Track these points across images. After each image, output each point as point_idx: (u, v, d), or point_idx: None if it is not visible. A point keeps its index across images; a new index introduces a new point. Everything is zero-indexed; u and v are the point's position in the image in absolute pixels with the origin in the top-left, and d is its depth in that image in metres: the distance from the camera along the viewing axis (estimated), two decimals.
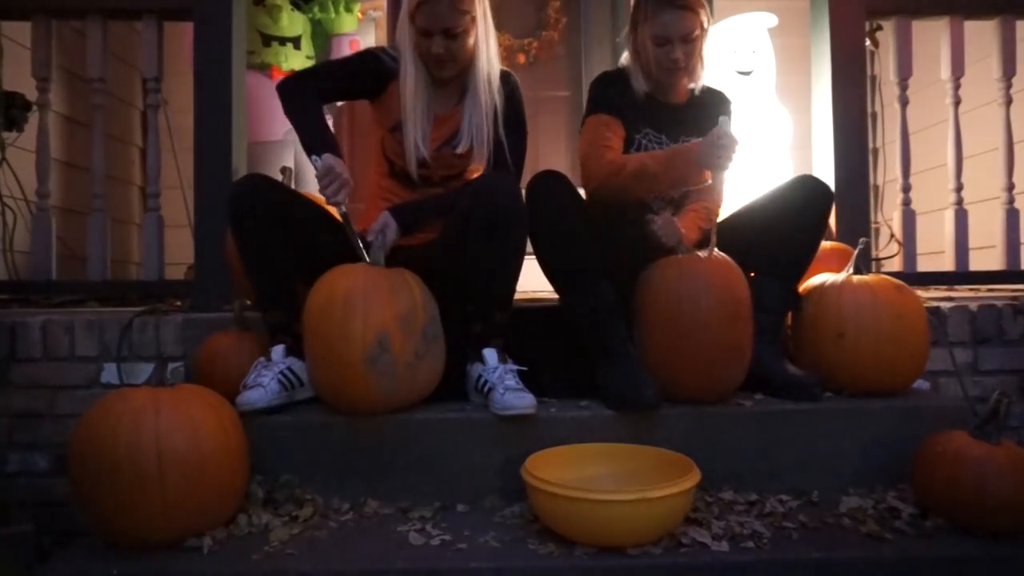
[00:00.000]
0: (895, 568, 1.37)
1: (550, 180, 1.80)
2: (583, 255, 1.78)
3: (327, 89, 1.92)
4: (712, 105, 2.01)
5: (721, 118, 1.75)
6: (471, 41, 1.86)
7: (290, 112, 1.85)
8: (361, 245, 1.73)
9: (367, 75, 1.92)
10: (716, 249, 1.76)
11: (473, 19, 1.84)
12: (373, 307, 1.60)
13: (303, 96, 1.85)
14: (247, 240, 1.75)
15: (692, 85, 1.99)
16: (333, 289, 1.62)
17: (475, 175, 1.94)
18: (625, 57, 2.02)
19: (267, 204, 1.74)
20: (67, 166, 2.99)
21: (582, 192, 1.88)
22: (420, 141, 1.87)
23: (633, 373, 1.71)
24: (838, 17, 2.33)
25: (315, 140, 1.78)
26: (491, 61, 1.90)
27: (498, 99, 1.91)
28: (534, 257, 1.83)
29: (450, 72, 1.88)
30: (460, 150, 1.91)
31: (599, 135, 1.92)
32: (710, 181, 1.80)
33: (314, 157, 1.73)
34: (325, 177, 1.69)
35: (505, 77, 1.96)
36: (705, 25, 1.90)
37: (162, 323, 1.96)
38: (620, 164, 1.86)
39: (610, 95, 1.97)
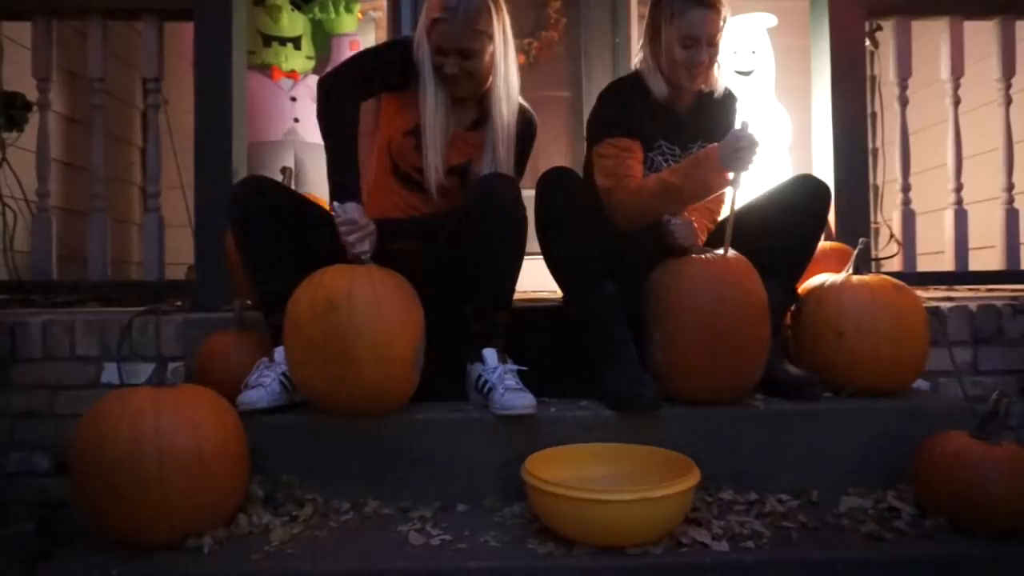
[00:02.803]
0: (895, 568, 1.37)
1: (561, 175, 1.80)
2: (590, 253, 1.78)
3: (365, 83, 1.85)
4: (719, 104, 1.98)
5: (741, 120, 1.72)
6: (487, 60, 1.82)
7: (325, 127, 1.80)
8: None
9: (398, 66, 1.85)
10: (732, 249, 1.76)
11: (491, 38, 1.80)
12: (414, 305, 1.66)
13: (340, 107, 1.80)
14: (249, 242, 1.76)
15: (708, 88, 1.93)
16: (362, 288, 1.60)
17: None
18: (639, 61, 1.95)
19: (267, 206, 1.74)
20: (67, 166, 2.99)
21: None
22: (439, 162, 1.84)
23: (633, 373, 1.71)
24: (838, 17, 2.33)
25: (342, 182, 1.75)
26: (509, 82, 1.85)
27: (515, 127, 1.87)
28: (534, 257, 1.83)
29: (465, 91, 1.85)
30: (480, 174, 1.86)
31: (621, 163, 1.84)
32: (733, 186, 1.73)
33: (335, 204, 1.72)
34: (347, 228, 1.68)
35: (528, 119, 1.93)
36: (725, 23, 1.85)
37: (162, 323, 1.96)
38: (637, 188, 1.81)
39: (626, 112, 1.89)
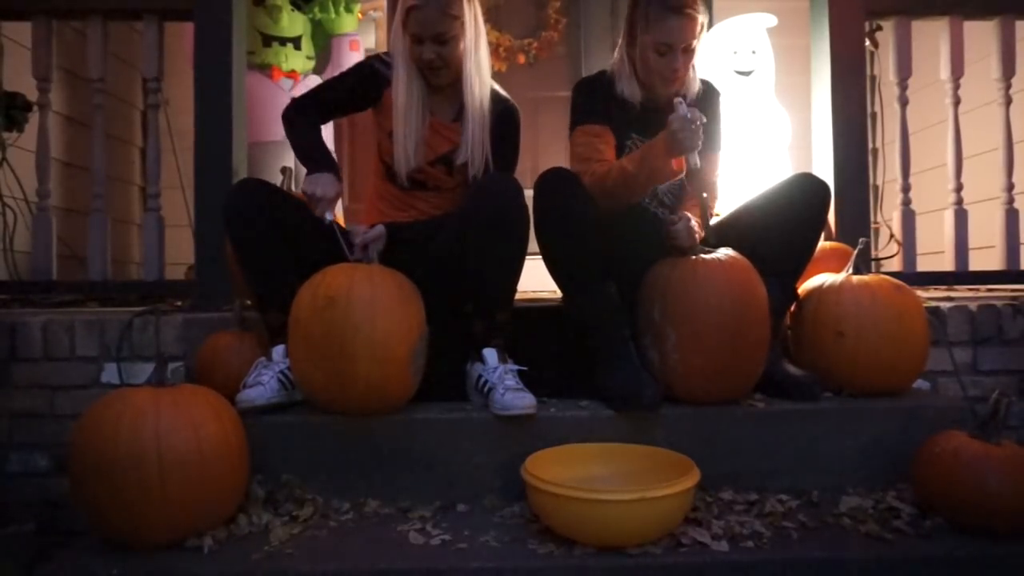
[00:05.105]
0: (895, 568, 1.37)
1: (560, 176, 1.80)
2: (589, 254, 1.78)
3: (326, 110, 1.99)
4: (700, 101, 1.97)
5: (675, 101, 1.72)
6: (462, 46, 1.84)
7: (291, 138, 1.95)
8: (346, 245, 1.76)
9: (365, 88, 1.93)
10: (732, 249, 1.76)
11: (464, 23, 1.82)
12: (414, 305, 1.67)
13: (301, 122, 1.94)
14: (244, 245, 1.77)
15: (683, 91, 1.94)
16: (361, 286, 1.61)
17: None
18: (612, 62, 1.97)
19: (261, 209, 1.75)
20: (67, 166, 2.99)
21: None
22: (411, 151, 1.87)
23: (633, 373, 1.71)
24: (838, 17, 2.33)
25: (305, 160, 1.90)
26: (481, 67, 1.88)
27: (487, 111, 1.89)
28: (534, 257, 1.83)
29: (444, 78, 1.87)
30: (459, 161, 1.90)
31: (591, 147, 1.88)
32: (688, 167, 1.73)
33: (305, 177, 1.82)
34: (306, 197, 1.81)
35: (507, 107, 1.94)
36: (703, 30, 1.87)
37: (162, 323, 1.96)
38: (603, 173, 1.83)
39: (595, 103, 1.92)
